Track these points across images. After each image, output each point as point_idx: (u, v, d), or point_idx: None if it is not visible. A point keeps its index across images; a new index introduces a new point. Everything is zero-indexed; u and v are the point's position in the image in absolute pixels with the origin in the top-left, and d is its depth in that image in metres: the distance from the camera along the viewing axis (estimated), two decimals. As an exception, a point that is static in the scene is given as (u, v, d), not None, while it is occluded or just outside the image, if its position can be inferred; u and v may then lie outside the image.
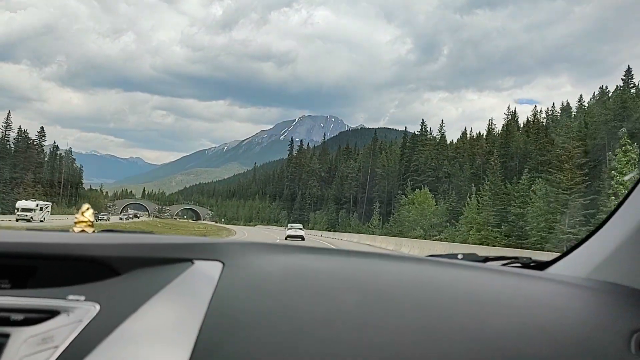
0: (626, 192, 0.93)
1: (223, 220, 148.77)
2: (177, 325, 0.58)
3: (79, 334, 0.56)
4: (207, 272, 0.69)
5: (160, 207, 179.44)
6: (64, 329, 0.57)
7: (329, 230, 77.23)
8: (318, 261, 0.76)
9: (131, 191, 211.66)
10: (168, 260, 0.71)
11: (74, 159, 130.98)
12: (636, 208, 0.88)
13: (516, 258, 1.06)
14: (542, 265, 1.01)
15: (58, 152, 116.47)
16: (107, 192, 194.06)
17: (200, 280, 0.67)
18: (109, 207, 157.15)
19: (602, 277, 0.86)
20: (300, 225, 40.95)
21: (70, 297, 0.61)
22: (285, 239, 32.12)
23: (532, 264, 1.02)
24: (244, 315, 0.60)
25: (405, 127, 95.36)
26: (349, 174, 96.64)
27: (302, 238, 33.35)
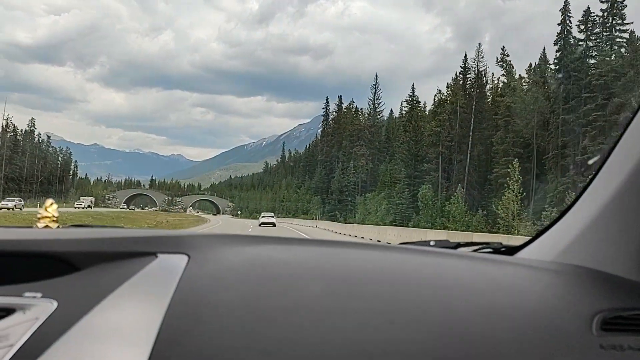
0: (591, 175, 0.92)
1: (239, 213, 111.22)
2: (138, 321, 0.56)
3: (34, 332, 0.53)
4: (171, 265, 0.66)
5: (170, 198, 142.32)
6: (19, 327, 0.54)
7: (400, 224, 34.54)
8: (285, 251, 0.74)
9: (138, 181, 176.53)
10: (130, 255, 0.67)
11: (49, 144, 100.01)
12: (601, 191, 0.87)
13: (487, 243, 1.05)
14: (512, 250, 0.99)
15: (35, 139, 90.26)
16: (115, 181, 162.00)
17: (164, 274, 0.64)
18: (108, 198, 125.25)
19: (568, 260, 0.86)
20: (272, 214, 47.60)
21: (27, 294, 0.59)
22: (259, 225, 37.67)
23: (502, 249, 1.01)
24: (208, 308, 0.58)
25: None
26: (437, 112, 51.81)
27: (274, 224, 37.96)
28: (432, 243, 0.99)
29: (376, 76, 73.29)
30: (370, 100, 72.33)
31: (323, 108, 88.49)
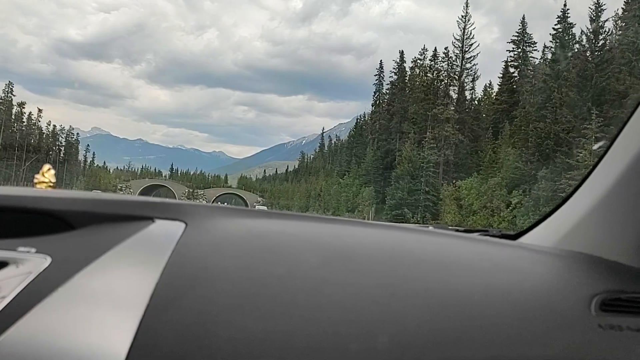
0: (594, 161, 0.91)
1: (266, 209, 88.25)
2: (131, 283, 0.55)
3: (27, 286, 0.52)
4: (168, 230, 0.64)
5: (191, 190, 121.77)
6: (12, 280, 0.53)
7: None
8: (282, 224, 0.73)
9: (160, 170, 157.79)
10: (127, 218, 0.66)
11: (40, 119, 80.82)
12: (603, 178, 0.85)
13: (486, 230, 1.04)
14: (511, 237, 0.98)
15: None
16: (133, 169, 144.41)
17: (160, 239, 0.63)
18: (121, 189, 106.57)
19: (568, 246, 0.85)
20: (265, 208, 43.41)
21: (21, 248, 0.57)
22: None
23: (501, 235, 1.00)
24: (204, 274, 0.57)
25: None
26: None
27: None
28: (430, 228, 0.99)
29: (467, 4, 47.47)
30: (457, 40, 46.61)
31: (375, 75, 63.86)
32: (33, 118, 79.79)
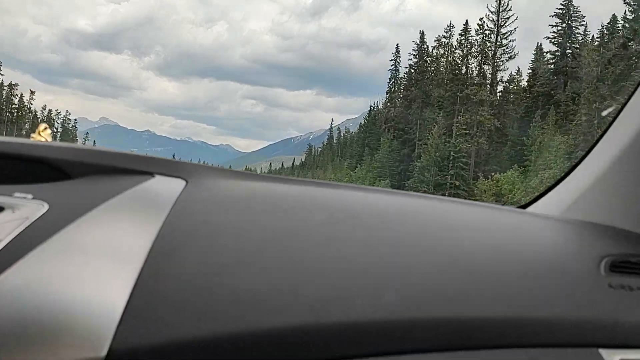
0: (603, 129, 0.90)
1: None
2: (130, 233, 0.53)
3: (23, 231, 0.51)
4: (168, 186, 0.62)
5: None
6: (8, 225, 0.51)
7: None
8: (286, 187, 0.71)
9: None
10: (126, 171, 0.64)
11: (32, 101, 75.53)
12: (610, 146, 0.85)
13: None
14: (519, 208, 0.97)
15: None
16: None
17: (160, 193, 0.61)
18: None
19: (575, 215, 0.85)
20: None
21: (17, 194, 0.56)
22: None
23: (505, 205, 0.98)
24: (205, 227, 0.56)
25: None
26: None
27: None
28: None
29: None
30: (492, 12, 40.15)
31: (391, 60, 57.77)
32: (25, 101, 74.98)
